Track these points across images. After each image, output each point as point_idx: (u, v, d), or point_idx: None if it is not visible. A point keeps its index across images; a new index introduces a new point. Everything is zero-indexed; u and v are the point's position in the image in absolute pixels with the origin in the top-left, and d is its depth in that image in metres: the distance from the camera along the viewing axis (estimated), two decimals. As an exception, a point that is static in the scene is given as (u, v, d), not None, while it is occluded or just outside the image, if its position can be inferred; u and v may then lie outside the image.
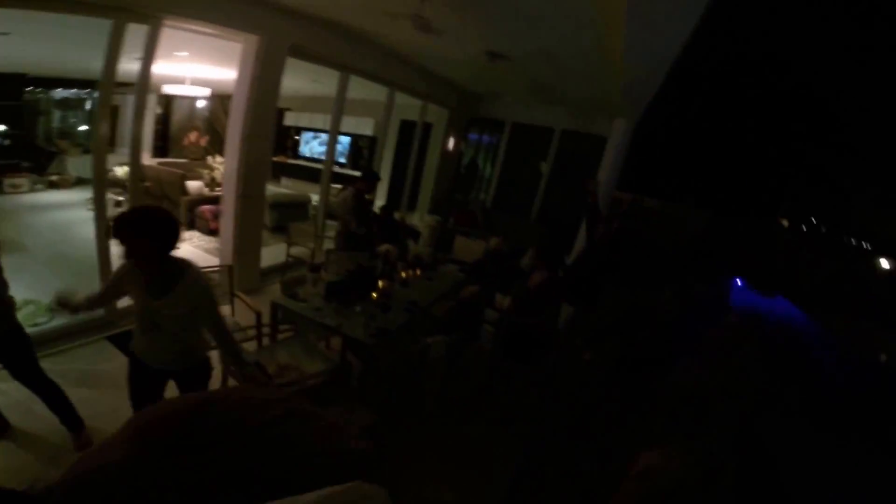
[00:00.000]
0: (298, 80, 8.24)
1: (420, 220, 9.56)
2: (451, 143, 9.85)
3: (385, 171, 10.50)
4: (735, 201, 22.55)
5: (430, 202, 10.27)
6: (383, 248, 5.40)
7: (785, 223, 29.32)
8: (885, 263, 24.12)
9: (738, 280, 17.58)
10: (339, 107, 6.27)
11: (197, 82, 7.94)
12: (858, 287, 22.59)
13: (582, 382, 4.22)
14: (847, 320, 16.00)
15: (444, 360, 3.69)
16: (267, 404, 1.09)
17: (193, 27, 4.13)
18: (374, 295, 3.97)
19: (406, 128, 10.25)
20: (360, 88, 7.50)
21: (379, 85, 7.13)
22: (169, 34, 4.01)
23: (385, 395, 3.60)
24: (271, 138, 5.37)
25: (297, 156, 12.97)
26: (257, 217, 5.53)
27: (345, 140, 11.84)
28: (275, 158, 12.14)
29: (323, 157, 9.84)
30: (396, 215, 7.60)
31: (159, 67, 5.91)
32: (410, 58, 6.68)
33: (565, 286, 4.56)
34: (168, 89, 7.75)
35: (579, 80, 5.60)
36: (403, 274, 4.69)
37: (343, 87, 6.13)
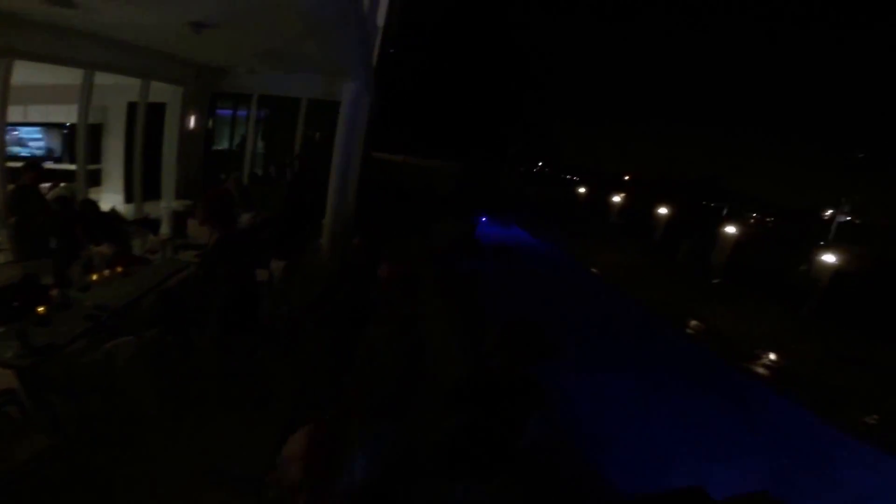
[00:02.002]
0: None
1: (166, 206, 8.69)
2: (191, 121, 9.03)
3: (116, 161, 9.19)
4: (473, 153, 26.21)
5: (179, 186, 9.39)
6: (96, 249, 4.93)
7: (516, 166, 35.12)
8: (582, 189, 31.28)
9: (487, 217, 20.54)
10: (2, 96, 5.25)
11: None
12: (569, 209, 28.61)
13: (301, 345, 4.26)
14: (561, 236, 20.40)
15: (146, 359, 3.39)
16: None
17: None
18: (41, 309, 3.41)
19: (135, 110, 8.99)
20: (67, 74, 6.47)
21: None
22: None
23: (63, 416, 3.14)
24: None
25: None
26: None
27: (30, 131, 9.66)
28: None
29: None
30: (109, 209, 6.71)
31: None
32: (110, 36, 5.87)
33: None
34: None
35: (302, 45, 5.58)
36: (95, 276, 4.24)
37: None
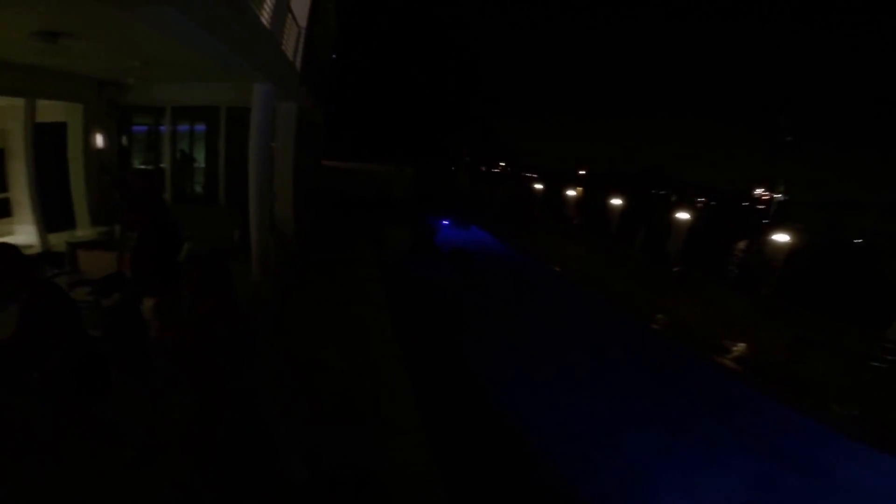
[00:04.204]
0: None
1: (69, 237, 7.56)
2: (98, 139, 7.95)
3: (25, 189, 8.02)
4: (425, 156, 25.67)
5: (94, 212, 8.26)
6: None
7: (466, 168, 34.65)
8: (538, 186, 31.06)
9: (444, 220, 19.86)
10: None
11: None
12: (526, 206, 28.18)
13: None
14: (517, 234, 19.80)
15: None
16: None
17: None
18: None
19: (38, 132, 7.87)
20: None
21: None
22: None
23: None
24: None
25: None
26: None
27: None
28: None
29: None
30: None
31: None
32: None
33: None
34: None
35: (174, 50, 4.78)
36: None
37: None
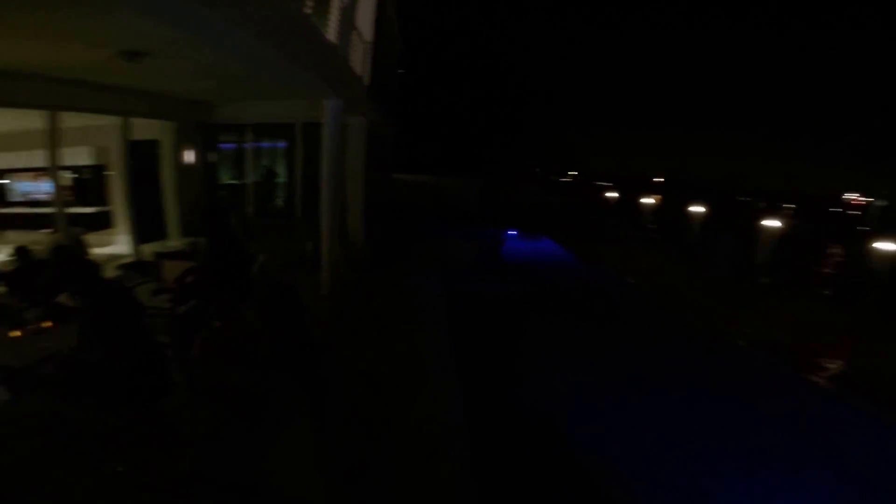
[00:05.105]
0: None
1: (160, 247, 7.98)
2: (186, 156, 8.37)
3: (123, 202, 8.63)
4: (493, 168, 25.33)
5: (184, 224, 8.71)
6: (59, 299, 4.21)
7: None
8: (611, 194, 29.60)
9: (511, 232, 19.32)
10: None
11: None
12: (597, 217, 26.87)
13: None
14: (588, 244, 18.78)
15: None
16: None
17: None
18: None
19: (133, 149, 8.44)
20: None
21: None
22: None
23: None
24: None
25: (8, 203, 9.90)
26: None
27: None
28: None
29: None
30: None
31: None
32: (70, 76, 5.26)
33: None
34: None
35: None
36: (14, 332, 3.74)
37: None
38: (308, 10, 4.51)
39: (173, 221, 8.79)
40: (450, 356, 5.81)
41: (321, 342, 5.34)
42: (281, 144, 9.16)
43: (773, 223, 15.49)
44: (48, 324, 3.95)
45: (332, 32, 5.53)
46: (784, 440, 5.58)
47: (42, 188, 8.99)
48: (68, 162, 9.07)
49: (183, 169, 8.49)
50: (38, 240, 7.32)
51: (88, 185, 9.64)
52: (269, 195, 9.63)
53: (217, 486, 2.98)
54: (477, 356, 6.75)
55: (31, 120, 6.18)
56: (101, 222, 9.14)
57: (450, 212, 17.79)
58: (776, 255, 14.94)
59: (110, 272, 6.31)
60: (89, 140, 8.66)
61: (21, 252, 4.97)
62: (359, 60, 8.07)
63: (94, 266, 4.29)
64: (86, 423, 3.44)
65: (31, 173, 9.34)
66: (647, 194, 25.57)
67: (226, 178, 9.84)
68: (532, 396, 6.36)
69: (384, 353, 5.66)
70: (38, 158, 8.92)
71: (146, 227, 8.31)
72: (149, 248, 8.05)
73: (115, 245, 8.50)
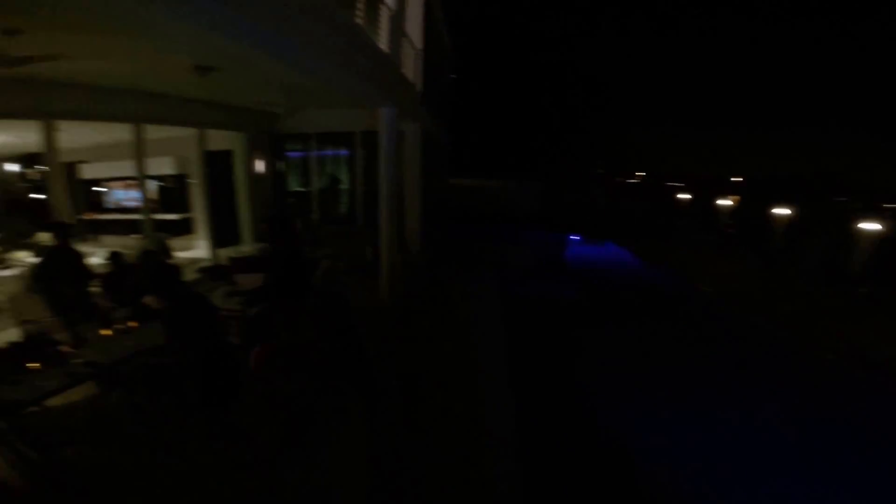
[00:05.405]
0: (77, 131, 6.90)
1: (234, 252, 8.43)
2: (257, 165, 8.83)
3: (202, 209, 9.28)
4: (555, 170, 24.66)
5: (256, 230, 9.19)
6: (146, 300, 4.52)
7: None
8: (684, 196, 27.80)
9: (574, 236, 18.71)
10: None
11: None
12: (667, 220, 25.38)
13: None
14: (658, 249, 17.74)
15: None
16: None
17: None
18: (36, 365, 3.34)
19: (210, 159, 9.05)
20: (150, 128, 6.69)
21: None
22: None
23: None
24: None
25: (104, 209, 10.98)
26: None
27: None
28: (85, 216, 10.27)
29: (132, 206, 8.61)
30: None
31: None
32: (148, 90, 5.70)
33: None
34: None
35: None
36: (104, 331, 3.94)
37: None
38: (359, 20, 4.59)
39: (246, 227, 9.30)
40: (504, 364, 5.66)
41: (378, 348, 5.40)
42: (343, 152, 9.46)
43: (871, 226, 13.83)
44: (134, 323, 4.23)
45: (383, 41, 5.61)
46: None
47: (132, 196, 9.86)
48: (154, 172, 9.90)
49: (254, 177, 8.96)
50: (129, 244, 8.04)
51: (172, 193, 10.48)
52: (332, 202, 9.97)
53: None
54: (535, 365, 6.53)
55: (121, 132, 6.75)
56: (184, 228, 9.89)
57: (509, 216, 17.55)
58: (875, 261, 13.29)
59: (190, 275, 6.79)
60: (171, 151, 9.36)
61: (114, 256, 5.37)
62: (411, 67, 8.15)
63: (176, 270, 4.62)
64: (161, 419, 3.73)
65: (123, 182, 10.29)
66: (725, 195, 23.78)
67: (294, 186, 10.29)
68: (598, 414, 5.94)
69: (438, 360, 5.60)
70: (128, 168, 9.86)
71: (222, 232, 8.85)
72: (224, 253, 8.56)
73: (195, 249, 9.13)
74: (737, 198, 23.85)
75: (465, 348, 5.98)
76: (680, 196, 27.64)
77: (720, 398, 6.45)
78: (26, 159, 10.10)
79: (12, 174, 10.67)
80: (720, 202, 22.96)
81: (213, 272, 7.51)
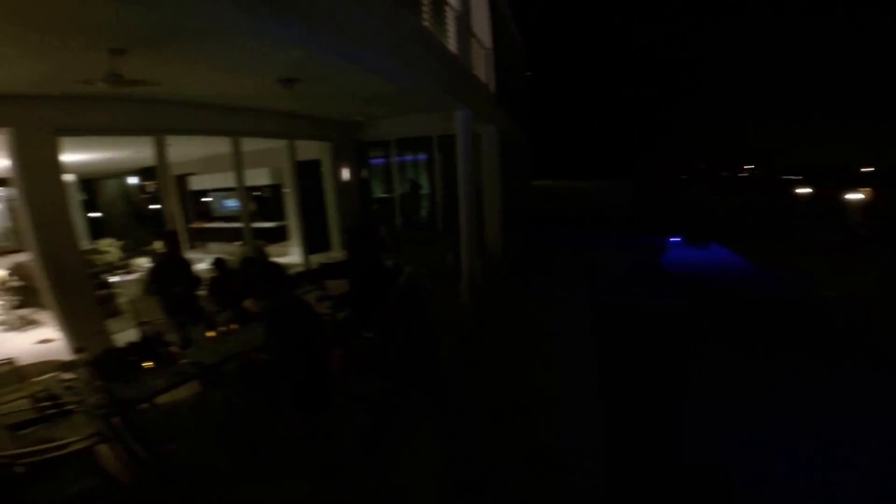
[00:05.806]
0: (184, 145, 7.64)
1: (325, 258, 8.78)
2: (343, 173, 9.14)
3: (294, 217, 9.82)
4: (645, 167, 23.04)
5: (341, 237, 9.53)
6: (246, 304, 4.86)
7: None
8: (803, 190, 24.51)
9: (673, 238, 17.28)
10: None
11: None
12: (783, 218, 22.57)
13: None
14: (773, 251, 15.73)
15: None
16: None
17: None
18: (150, 364, 3.64)
19: (300, 169, 9.54)
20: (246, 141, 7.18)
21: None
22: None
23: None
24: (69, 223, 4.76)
25: (211, 218, 12.05)
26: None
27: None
28: (194, 225, 11.37)
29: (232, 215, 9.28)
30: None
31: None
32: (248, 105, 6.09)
33: None
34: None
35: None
36: (209, 333, 4.20)
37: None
38: (426, 23, 4.52)
39: (336, 233, 9.66)
40: (594, 377, 5.20)
41: (457, 355, 5.26)
42: (422, 157, 9.52)
43: None
44: (235, 326, 4.51)
45: (451, 43, 5.49)
46: None
47: (233, 205, 10.69)
48: (251, 182, 10.66)
49: (341, 185, 9.29)
50: (232, 251, 8.70)
51: (269, 202, 11.24)
52: (413, 207, 10.06)
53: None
54: (630, 384, 5.86)
55: (221, 145, 7.26)
56: (279, 235, 10.56)
57: (597, 218, 16.65)
58: None
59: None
60: (267, 162, 10.04)
61: (218, 262, 5.75)
62: (482, 68, 7.98)
63: (281, 272, 4.86)
64: (256, 418, 3.92)
65: (225, 192, 11.21)
66: (853, 188, 20.72)
67: (377, 192, 10.53)
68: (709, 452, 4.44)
69: (516, 371, 5.31)
70: (230, 180, 10.68)
71: (313, 239, 9.28)
72: (315, 259, 8.96)
73: (290, 255, 9.67)
74: (869, 190, 20.65)
75: (549, 367, 5.52)
76: (797, 191, 24.38)
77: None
78: (143, 173, 11.39)
79: (133, 187, 12.10)
80: (849, 196, 19.97)
81: (305, 277, 7.89)
